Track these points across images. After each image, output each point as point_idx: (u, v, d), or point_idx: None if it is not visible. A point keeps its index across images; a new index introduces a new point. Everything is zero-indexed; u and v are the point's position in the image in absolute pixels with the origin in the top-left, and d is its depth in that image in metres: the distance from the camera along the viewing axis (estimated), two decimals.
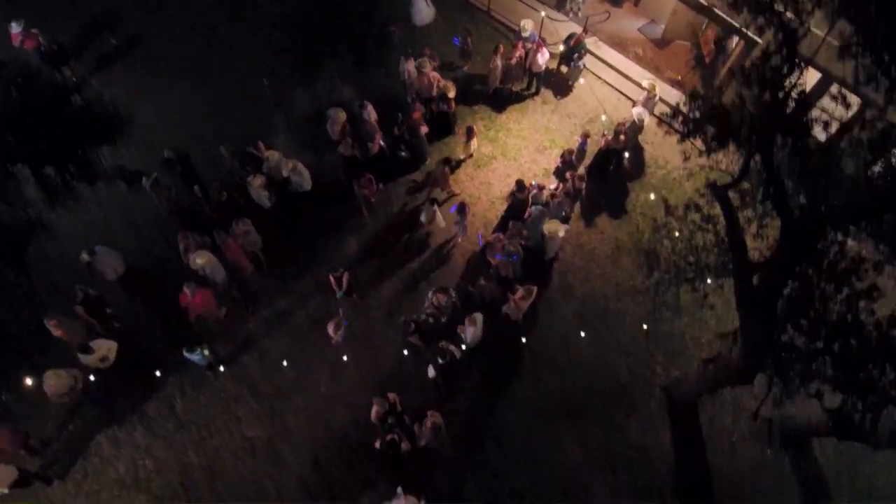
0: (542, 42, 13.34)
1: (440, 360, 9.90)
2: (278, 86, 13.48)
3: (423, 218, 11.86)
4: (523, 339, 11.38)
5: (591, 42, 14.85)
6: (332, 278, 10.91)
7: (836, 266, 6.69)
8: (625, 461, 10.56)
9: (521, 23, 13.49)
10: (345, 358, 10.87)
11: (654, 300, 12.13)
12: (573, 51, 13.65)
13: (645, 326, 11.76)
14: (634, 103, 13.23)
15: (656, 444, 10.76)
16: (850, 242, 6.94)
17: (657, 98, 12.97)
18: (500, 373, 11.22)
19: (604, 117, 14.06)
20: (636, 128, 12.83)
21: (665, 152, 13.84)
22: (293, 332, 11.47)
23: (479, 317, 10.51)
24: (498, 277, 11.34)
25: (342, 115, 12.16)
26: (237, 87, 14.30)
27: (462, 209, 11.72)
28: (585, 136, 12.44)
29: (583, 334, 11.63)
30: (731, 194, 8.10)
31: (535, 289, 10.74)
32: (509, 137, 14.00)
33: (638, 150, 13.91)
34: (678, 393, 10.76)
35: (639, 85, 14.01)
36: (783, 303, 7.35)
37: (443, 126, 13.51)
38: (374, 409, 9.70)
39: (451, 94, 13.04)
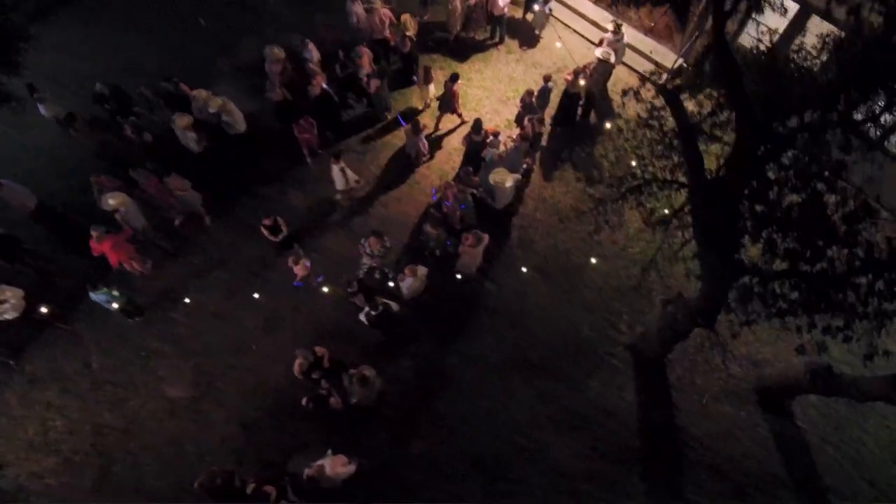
0: None
1: (372, 312, 8.97)
2: (222, 31, 12.68)
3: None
4: (478, 294, 10.47)
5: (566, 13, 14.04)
6: (263, 228, 10.03)
7: (801, 166, 5.77)
8: (586, 422, 9.61)
9: None
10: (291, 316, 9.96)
11: (622, 254, 11.30)
12: None
13: (610, 282, 10.86)
14: (598, 43, 12.28)
15: (620, 405, 9.81)
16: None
17: (624, 39, 12.05)
18: (453, 328, 10.29)
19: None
20: (602, 70, 11.91)
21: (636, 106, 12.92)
22: (226, 285, 10.55)
23: (421, 269, 9.58)
24: (448, 227, 10.42)
25: (279, 53, 11.21)
26: (182, 31, 13.48)
27: (416, 126, 11.14)
28: (547, 78, 11.52)
29: (543, 289, 10.74)
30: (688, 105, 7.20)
31: (486, 236, 9.81)
32: (470, 87, 13.11)
33: (608, 103, 13.02)
34: (643, 346, 9.80)
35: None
36: (743, 221, 6.44)
37: (404, 71, 12.59)
38: (297, 363, 8.78)
39: (410, 32, 12.13)
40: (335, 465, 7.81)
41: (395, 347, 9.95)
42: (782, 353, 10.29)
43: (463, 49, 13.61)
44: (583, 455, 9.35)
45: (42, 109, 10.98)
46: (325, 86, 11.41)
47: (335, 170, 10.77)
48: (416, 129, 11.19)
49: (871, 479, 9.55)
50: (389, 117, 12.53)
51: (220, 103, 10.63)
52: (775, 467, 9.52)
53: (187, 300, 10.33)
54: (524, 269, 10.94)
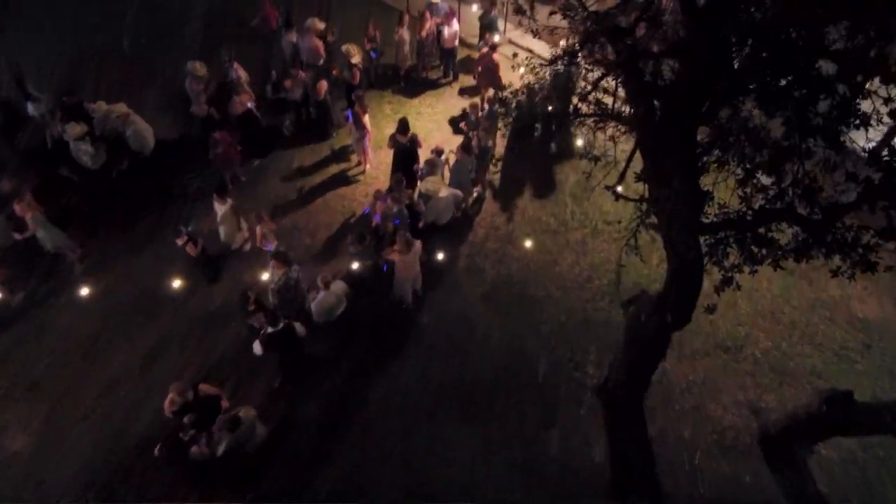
0: (452, 13, 11.98)
1: (269, 329, 7.13)
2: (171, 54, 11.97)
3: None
4: (413, 322, 8.68)
5: (518, 34, 13.62)
6: (180, 241, 8.42)
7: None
8: (541, 481, 7.38)
9: None
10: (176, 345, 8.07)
11: (587, 285, 9.62)
12: (486, 27, 12.24)
13: (574, 316, 9.09)
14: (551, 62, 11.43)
15: (586, 462, 7.62)
16: None
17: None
18: (379, 360, 8.35)
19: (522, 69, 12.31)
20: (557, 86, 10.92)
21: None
22: (102, 314, 8.73)
23: (337, 284, 7.89)
24: (378, 246, 8.85)
25: (202, 69, 10.27)
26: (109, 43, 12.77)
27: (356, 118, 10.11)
28: (493, 101, 10.58)
29: (493, 321, 8.95)
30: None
31: (417, 242, 8.22)
32: (419, 120, 12.15)
33: (567, 134, 12.03)
34: (613, 384, 7.80)
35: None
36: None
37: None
38: (169, 399, 6.79)
39: (356, 60, 11.37)
40: None
41: (304, 383, 7.95)
42: (787, 398, 8.31)
43: (415, 86, 12.88)
44: None
45: (32, 108, 9.98)
46: (250, 105, 10.42)
47: (222, 212, 8.89)
48: (360, 125, 10.18)
49: None
50: (334, 134, 11.51)
51: (123, 112, 9.49)
52: None
53: (52, 334, 8.46)
54: (470, 298, 9.22)
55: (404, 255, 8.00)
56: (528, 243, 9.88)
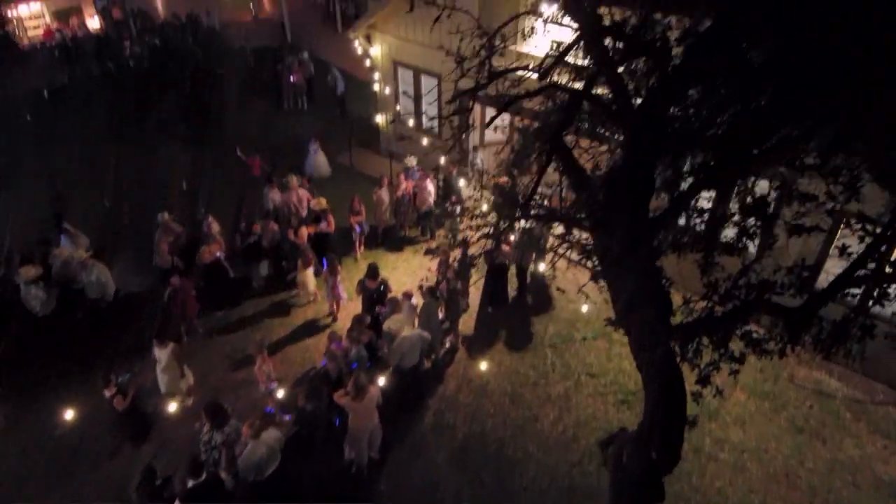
0: (425, 176, 12.52)
1: (190, 481, 5.94)
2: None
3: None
4: (369, 484, 7.37)
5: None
6: (107, 392, 7.52)
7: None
8: None
9: (406, 159, 12.92)
10: None
11: (572, 445, 8.45)
12: (449, 188, 12.73)
13: (558, 482, 7.79)
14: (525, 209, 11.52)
15: None
16: None
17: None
18: None
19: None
20: (530, 235, 10.87)
21: (576, 288, 11.66)
22: (14, 470, 7.45)
23: (271, 432, 6.80)
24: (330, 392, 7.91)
25: (173, 222, 10.29)
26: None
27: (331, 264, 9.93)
28: (467, 244, 10.49)
29: (463, 489, 7.64)
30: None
31: (373, 388, 7.28)
32: (394, 273, 11.91)
33: (544, 287, 11.73)
34: None
35: None
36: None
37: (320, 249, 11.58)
38: None
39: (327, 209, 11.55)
40: None
41: None
42: None
43: (392, 241, 12.96)
44: None
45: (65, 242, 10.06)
46: (219, 254, 10.28)
47: (163, 358, 8.14)
48: (333, 271, 9.92)
49: None
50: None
51: (84, 257, 9.26)
52: None
53: None
54: (438, 460, 7.99)
55: (357, 403, 7.05)
56: (504, 397, 8.94)
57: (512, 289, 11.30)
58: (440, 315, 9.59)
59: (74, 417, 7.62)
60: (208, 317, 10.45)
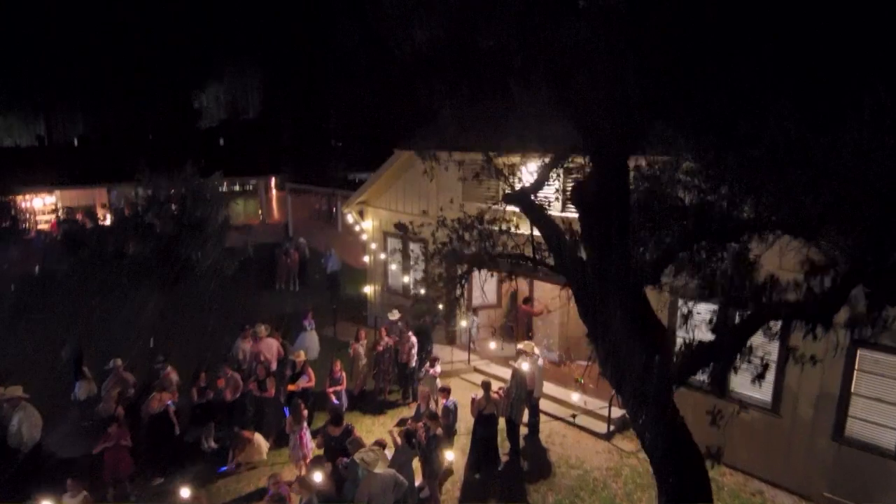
0: (407, 326, 11.88)
1: None
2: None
3: None
4: None
5: (483, 363, 13.31)
6: None
7: None
8: None
9: (389, 312, 12.39)
10: None
11: None
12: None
13: None
14: (509, 364, 10.47)
15: None
16: None
17: (538, 357, 10.34)
18: None
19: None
20: (520, 385, 9.72)
21: (578, 453, 10.13)
22: None
23: None
24: None
25: (124, 370, 9.39)
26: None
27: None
28: (446, 392, 9.37)
29: None
30: None
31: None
32: (370, 437, 10.42)
33: (540, 450, 10.20)
34: None
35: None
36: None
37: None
38: None
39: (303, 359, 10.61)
40: None
41: None
42: None
43: (371, 404, 11.71)
44: None
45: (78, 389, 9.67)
46: (169, 403, 9.12)
47: None
48: (298, 419, 8.64)
49: None
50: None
51: (16, 396, 8.15)
52: None
53: None
54: None
55: None
56: None
57: (503, 452, 9.82)
58: (417, 480, 8.11)
59: None
60: (144, 483, 8.83)
